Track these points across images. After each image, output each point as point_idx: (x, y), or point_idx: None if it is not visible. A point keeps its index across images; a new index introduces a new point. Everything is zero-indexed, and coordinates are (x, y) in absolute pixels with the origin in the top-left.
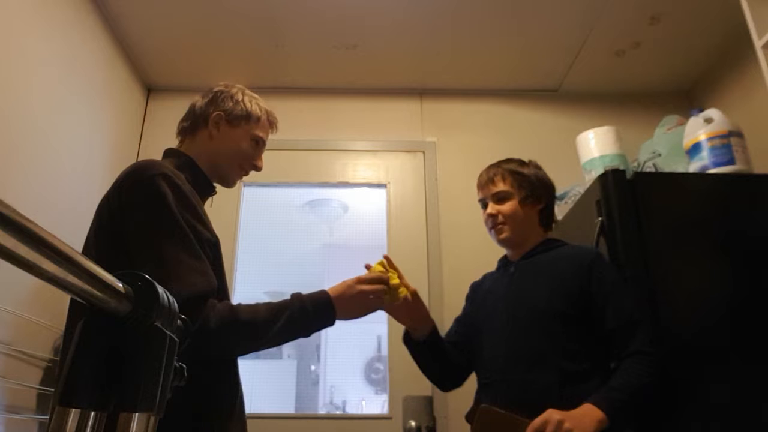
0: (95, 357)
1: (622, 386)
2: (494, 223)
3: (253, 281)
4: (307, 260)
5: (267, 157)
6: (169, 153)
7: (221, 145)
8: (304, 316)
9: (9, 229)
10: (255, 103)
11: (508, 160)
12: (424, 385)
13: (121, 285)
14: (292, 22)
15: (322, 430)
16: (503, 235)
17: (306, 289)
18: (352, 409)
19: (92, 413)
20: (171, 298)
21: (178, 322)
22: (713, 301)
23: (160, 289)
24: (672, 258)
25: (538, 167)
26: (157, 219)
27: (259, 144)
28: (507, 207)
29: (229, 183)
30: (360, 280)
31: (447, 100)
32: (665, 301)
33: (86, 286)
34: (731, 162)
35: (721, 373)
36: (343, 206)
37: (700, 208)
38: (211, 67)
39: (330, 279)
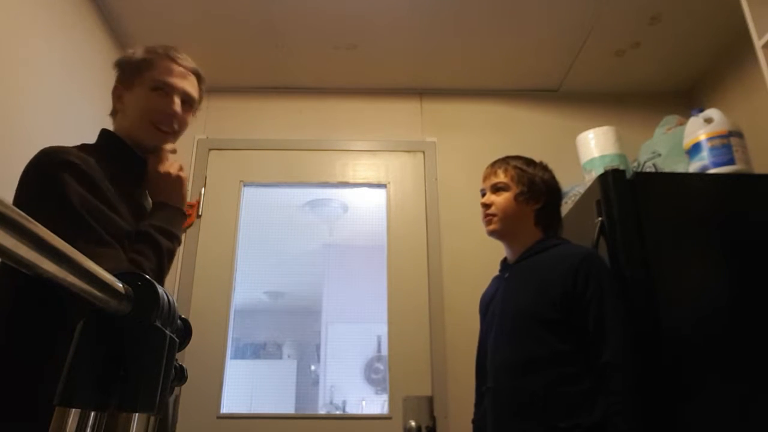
0: (95, 357)
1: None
2: (487, 213)
3: (253, 281)
4: (307, 260)
5: (267, 157)
6: (99, 134)
7: (129, 114)
8: (170, 236)
9: (9, 229)
10: (145, 51)
11: (517, 157)
12: (424, 385)
13: (121, 285)
14: (292, 23)
15: (322, 430)
16: (491, 227)
17: (306, 290)
18: (352, 409)
19: (92, 413)
20: (171, 298)
21: (178, 322)
22: (713, 301)
23: (160, 289)
24: (672, 258)
25: (545, 169)
26: (60, 216)
27: (165, 89)
28: (500, 199)
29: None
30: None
31: (447, 100)
32: (665, 301)
33: (86, 286)
34: (731, 162)
35: (721, 373)
36: (343, 206)
37: (700, 208)
38: (211, 67)
39: (330, 279)
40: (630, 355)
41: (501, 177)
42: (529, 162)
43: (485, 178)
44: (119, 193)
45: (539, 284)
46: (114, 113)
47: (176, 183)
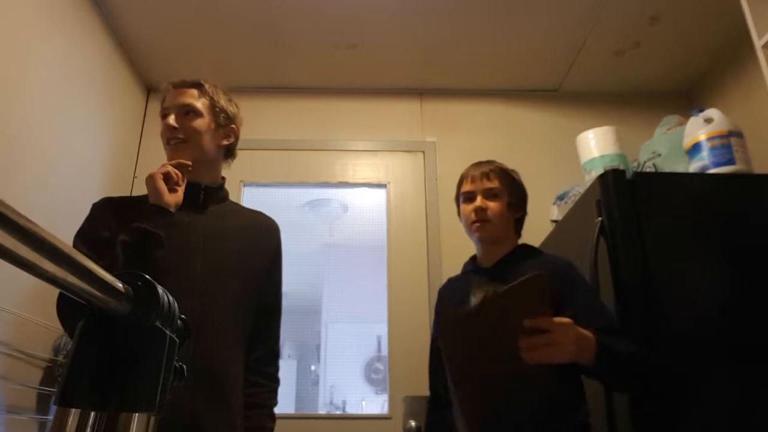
0: (95, 357)
1: (621, 350)
2: (480, 218)
3: None
4: (307, 260)
5: (267, 157)
6: None
7: None
8: (131, 231)
9: (9, 229)
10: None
11: (496, 162)
12: (424, 385)
13: (121, 285)
14: (292, 22)
15: (322, 430)
16: (485, 233)
17: (306, 290)
18: (352, 409)
19: (92, 413)
20: (171, 298)
21: (178, 322)
22: (713, 301)
23: (160, 289)
24: (672, 258)
25: (519, 177)
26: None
27: (165, 113)
28: (497, 205)
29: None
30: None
31: (447, 100)
32: (665, 301)
33: (86, 286)
34: (731, 162)
35: (721, 374)
36: (343, 206)
37: (700, 208)
38: (211, 66)
39: (330, 279)
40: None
41: (495, 183)
42: (511, 170)
43: (474, 181)
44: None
45: None
46: None
47: (147, 182)
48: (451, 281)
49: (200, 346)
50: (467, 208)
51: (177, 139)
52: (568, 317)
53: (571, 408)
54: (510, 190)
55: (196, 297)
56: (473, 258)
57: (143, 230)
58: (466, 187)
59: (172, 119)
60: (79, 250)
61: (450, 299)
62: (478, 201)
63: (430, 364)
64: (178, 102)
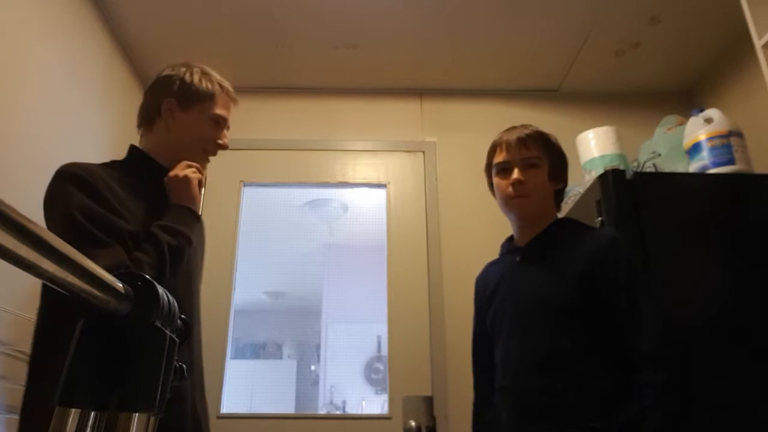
0: (95, 357)
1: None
2: (519, 193)
3: (253, 281)
4: (307, 260)
5: (267, 157)
6: (128, 151)
7: (179, 134)
8: (173, 232)
9: (9, 229)
10: (206, 80)
11: (532, 126)
12: (424, 385)
13: (121, 285)
14: (293, 22)
15: (322, 430)
16: (525, 210)
17: (306, 290)
18: (352, 409)
19: (92, 413)
20: (171, 298)
21: (178, 322)
22: (713, 301)
23: (160, 289)
24: (672, 258)
25: (557, 142)
26: (65, 224)
27: (219, 123)
28: (537, 177)
29: None
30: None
31: (447, 100)
32: (665, 301)
33: (86, 286)
34: (731, 162)
35: (721, 374)
36: (343, 206)
37: (700, 208)
38: (211, 66)
39: (330, 279)
40: (670, 346)
41: (534, 151)
42: (549, 134)
43: (509, 149)
44: (140, 201)
45: (563, 268)
46: (150, 122)
47: (182, 183)
48: (489, 265)
49: (198, 345)
50: (503, 182)
51: (216, 154)
52: (608, 295)
53: (618, 403)
54: (550, 158)
55: (195, 296)
56: (510, 238)
57: (184, 234)
58: (500, 156)
59: (227, 137)
60: (90, 233)
61: (486, 279)
62: (516, 173)
63: (474, 361)
64: (228, 117)
